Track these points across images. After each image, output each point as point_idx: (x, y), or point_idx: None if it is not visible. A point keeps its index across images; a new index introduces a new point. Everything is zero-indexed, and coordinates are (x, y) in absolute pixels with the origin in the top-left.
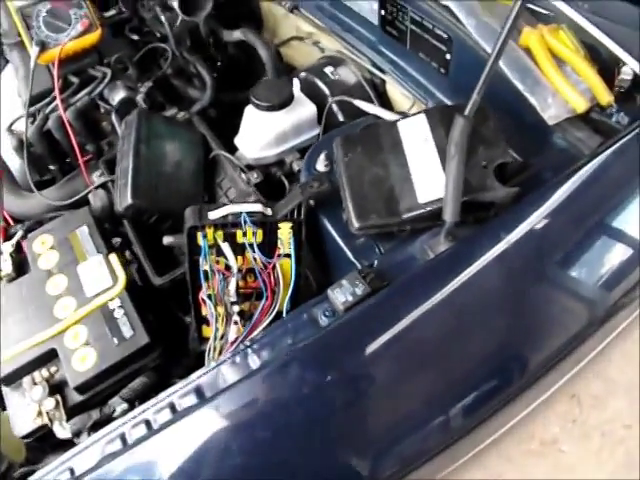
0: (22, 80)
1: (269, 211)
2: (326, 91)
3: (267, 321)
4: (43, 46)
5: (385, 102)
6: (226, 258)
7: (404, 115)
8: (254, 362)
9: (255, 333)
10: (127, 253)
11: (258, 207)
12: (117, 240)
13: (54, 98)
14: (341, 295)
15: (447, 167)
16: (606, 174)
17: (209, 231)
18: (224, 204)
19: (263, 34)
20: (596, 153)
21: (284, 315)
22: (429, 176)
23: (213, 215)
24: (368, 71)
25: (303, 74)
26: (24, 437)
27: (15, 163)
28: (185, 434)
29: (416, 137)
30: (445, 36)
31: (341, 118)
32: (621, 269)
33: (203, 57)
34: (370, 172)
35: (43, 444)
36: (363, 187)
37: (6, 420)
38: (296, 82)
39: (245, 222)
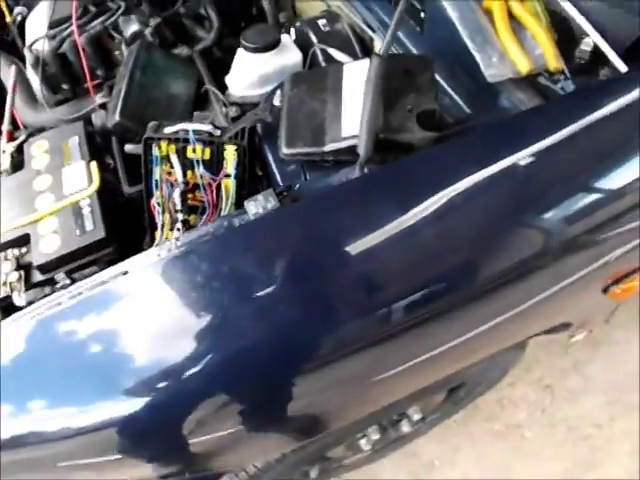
0: (50, 4)
1: (218, 132)
2: (314, 40)
3: None
4: None
5: None
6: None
7: None
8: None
9: None
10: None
11: (208, 127)
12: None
13: (71, 24)
14: (253, 207)
15: (363, 104)
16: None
17: (163, 144)
18: (180, 121)
19: None
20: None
21: None
22: (357, 114)
23: (168, 129)
24: (359, 27)
25: (298, 24)
26: None
27: (35, 80)
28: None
29: (356, 80)
30: None
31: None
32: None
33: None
34: (308, 106)
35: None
36: (298, 119)
37: None
38: (292, 31)
39: (193, 139)
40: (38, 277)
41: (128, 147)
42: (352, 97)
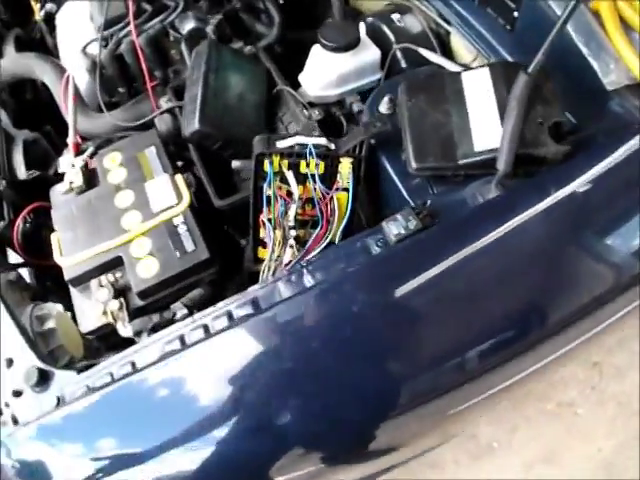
0: (96, 5)
1: (332, 146)
2: (391, 37)
3: (319, 248)
4: None
5: (447, 53)
6: (289, 185)
7: (467, 67)
8: (308, 281)
9: (308, 257)
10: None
11: (323, 141)
12: (180, 163)
13: (127, 24)
14: (394, 228)
15: (506, 119)
16: None
17: (275, 159)
18: (291, 135)
19: None
20: None
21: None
22: (487, 127)
23: (281, 144)
24: (434, 21)
25: (370, 19)
26: (89, 333)
27: (83, 84)
28: (240, 339)
29: (478, 89)
30: None
31: (404, 65)
32: None
33: None
34: (431, 117)
35: (102, 343)
36: (424, 131)
37: (67, 318)
38: (362, 26)
39: (310, 153)
40: (137, 302)
41: (235, 164)
42: (478, 109)
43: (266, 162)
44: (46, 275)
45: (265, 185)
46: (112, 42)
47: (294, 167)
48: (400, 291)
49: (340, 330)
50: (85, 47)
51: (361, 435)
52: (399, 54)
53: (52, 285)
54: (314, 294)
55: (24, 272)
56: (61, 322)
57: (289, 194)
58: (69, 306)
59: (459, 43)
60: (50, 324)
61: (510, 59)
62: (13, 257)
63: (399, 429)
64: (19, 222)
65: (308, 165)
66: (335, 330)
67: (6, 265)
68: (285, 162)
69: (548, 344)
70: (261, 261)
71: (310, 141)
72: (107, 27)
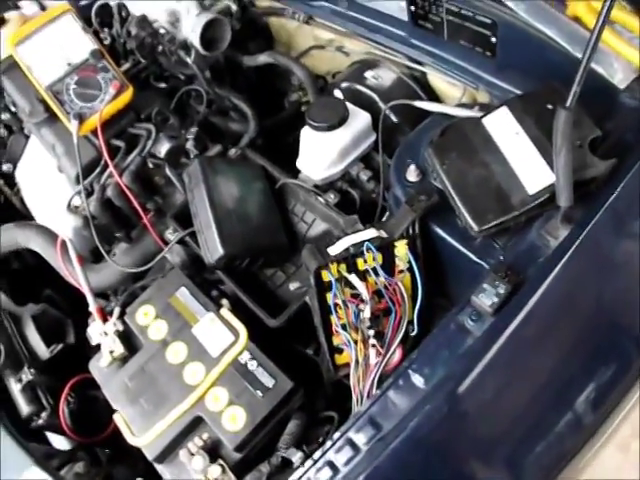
0: (64, 156)
1: (384, 233)
2: (373, 96)
3: (400, 335)
4: (81, 118)
5: (431, 94)
6: (355, 289)
7: (464, 105)
8: (418, 381)
9: (392, 348)
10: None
11: (373, 232)
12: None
13: (105, 167)
14: (486, 299)
15: (556, 156)
16: None
17: (333, 266)
18: (339, 237)
19: (276, 49)
20: None
21: (415, 325)
22: (531, 167)
23: (334, 250)
24: (406, 66)
25: (345, 84)
26: None
27: (73, 239)
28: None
29: (506, 131)
30: (489, 21)
31: (395, 119)
32: None
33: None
34: (472, 174)
35: None
36: (470, 190)
37: None
38: (338, 93)
39: (369, 249)
40: (235, 456)
41: (293, 285)
42: (515, 151)
43: (326, 273)
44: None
45: (331, 294)
46: (97, 190)
47: (353, 267)
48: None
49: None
50: (69, 204)
51: None
52: (387, 110)
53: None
54: (438, 398)
55: None
56: None
57: (354, 296)
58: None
59: (439, 81)
60: None
61: (499, 83)
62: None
63: None
64: (62, 406)
65: (366, 261)
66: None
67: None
68: (343, 266)
69: None
70: (341, 368)
71: (362, 237)
72: (86, 175)
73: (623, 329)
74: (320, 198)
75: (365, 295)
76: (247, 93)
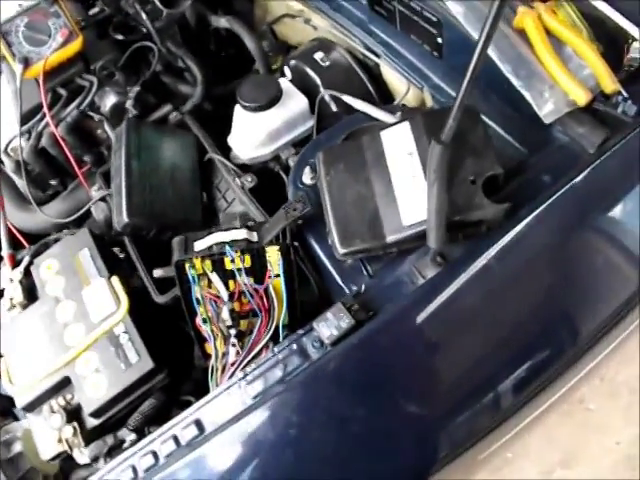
0: (13, 96)
1: (255, 236)
2: (317, 80)
3: (266, 338)
4: (27, 62)
5: (381, 85)
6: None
7: (392, 107)
8: (247, 395)
9: (254, 352)
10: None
11: (243, 234)
12: (117, 250)
13: (45, 114)
14: (326, 329)
15: (428, 193)
16: (607, 180)
17: (197, 261)
18: (209, 232)
19: (255, 12)
20: (597, 154)
21: (280, 330)
22: (414, 195)
23: (199, 246)
24: (361, 53)
25: (293, 62)
26: (50, 460)
27: (18, 180)
28: (188, 465)
29: (400, 150)
30: (434, 19)
31: (334, 108)
32: None
33: (195, 47)
34: (353, 191)
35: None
36: (346, 209)
37: None
38: (287, 70)
39: (229, 253)
40: (92, 422)
41: (157, 272)
42: (402, 175)
43: (187, 266)
44: None
45: (193, 287)
46: (32, 137)
47: (219, 264)
48: (340, 402)
49: (282, 455)
50: (7, 147)
51: None
52: (327, 97)
53: None
54: (253, 416)
55: None
56: (29, 442)
57: (217, 295)
58: None
59: (390, 74)
60: (17, 447)
61: (444, 87)
62: None
63: None
64: None
65: (233, 261)
66: (277, 455)
67: None
68: (207, 263)
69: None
70: (210, 357)
71: (228, 237)
72: (28, 118)
73: None
74: (237, 180)
75: (224, 294)
76: (216, 57)
